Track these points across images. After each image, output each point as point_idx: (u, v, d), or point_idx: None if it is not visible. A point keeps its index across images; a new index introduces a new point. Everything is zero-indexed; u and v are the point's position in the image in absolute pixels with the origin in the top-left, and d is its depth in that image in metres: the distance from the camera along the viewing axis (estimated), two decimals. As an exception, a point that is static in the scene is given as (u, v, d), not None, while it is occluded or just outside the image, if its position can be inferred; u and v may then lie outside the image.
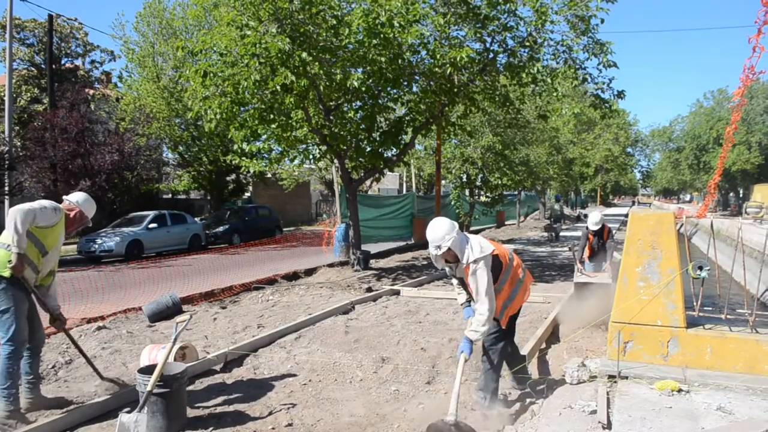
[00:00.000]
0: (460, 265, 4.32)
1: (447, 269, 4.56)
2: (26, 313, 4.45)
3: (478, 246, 4.30)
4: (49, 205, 4.54)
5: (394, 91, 12.48)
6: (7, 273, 4.28)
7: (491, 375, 4.50)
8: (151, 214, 19.15)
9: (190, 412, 4.56)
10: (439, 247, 4.22)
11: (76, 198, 4.88)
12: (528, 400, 4.63)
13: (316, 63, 10.20)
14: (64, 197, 4.90)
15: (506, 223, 34.37)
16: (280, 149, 13.21)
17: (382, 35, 9.87)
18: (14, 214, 4.25)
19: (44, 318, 4.74)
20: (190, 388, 5.06)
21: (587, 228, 9.41)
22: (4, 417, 4.22)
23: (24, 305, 4.42)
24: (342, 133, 11.91)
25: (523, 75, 11.23)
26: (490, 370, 4.49)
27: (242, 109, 10.94)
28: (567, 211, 53.69)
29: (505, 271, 4.48)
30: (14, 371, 4.33)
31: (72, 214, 4.80)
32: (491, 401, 4.43)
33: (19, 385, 4.47)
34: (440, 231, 4.25)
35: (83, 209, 4.85)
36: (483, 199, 24.68)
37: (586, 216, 10.25)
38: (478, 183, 23.33)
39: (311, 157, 14.14)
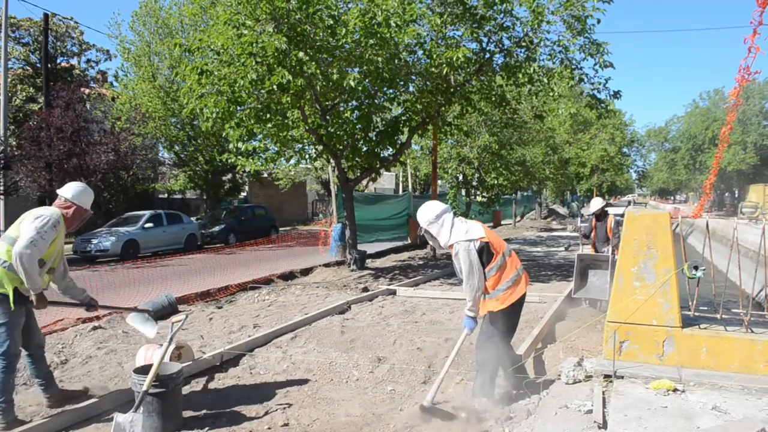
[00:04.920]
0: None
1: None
2: (21, 327, 4.37)
3: (463, 231, 4.45)
4: (49, 224, 4.31)
5: (391, 91, 12.47)
6: (6, 290, 4.21)
7: (485, 373, 4.51)
8: (147, 213, 19.10)
9: (186, 412, 4.55)
10: (421, 228, 4.58)
11: (70, 193, 4.60)
12: (524, 400, 4.63)
13: (313, 63, 10.19)
14: (58, 192, 4.69)
15: (502, 222, 34.44)
16: (276, 149, 13.19)
17: (378, 35, 9.86)
18: (23, 261, 4.11)
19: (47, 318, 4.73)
20: (186, 388, 5.05)
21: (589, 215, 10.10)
22: (1, 429, 4.20)
23: (20, 319, 4.34)
24: (338, 132, 11.90)
25: (520, 75, 11.23)
26: (484, 369, 4.51)
27: (238, 108, 10.91)
28: (562, 210, 53.80)
29: (496, 262, 4.46)
30: (8, 385, 4.28)
31: (69, 212, 4.56)
32: (488, 401, 4.44)
33: (31, 387, 4.48)
34: (424, 216, 4.55)
35: (79, 203, 4.61)
36: (479, 199, 24.67)
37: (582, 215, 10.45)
38: (474, 183, 23.35)
39: (307, 156, 14.13)
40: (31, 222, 4.28)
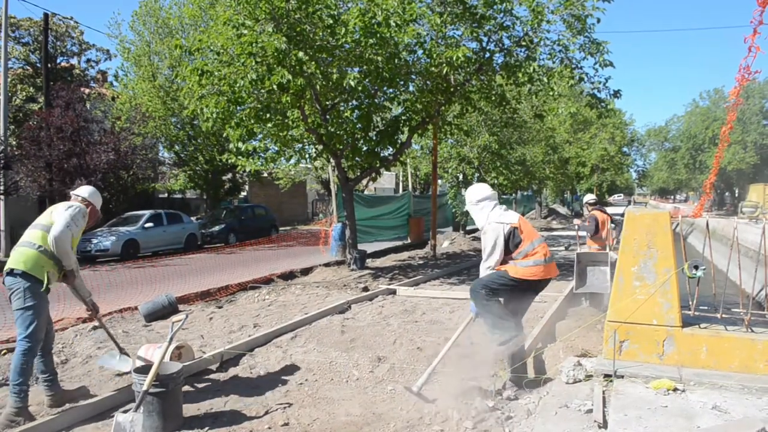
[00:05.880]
0: None
1: None
2: (46, 313, 4.53)
3: (497, 215, 4.81)
4: (80, 213, 4.69)
5: (391, 90, 12.46)
6: (34, 272, 4.40)
7: (488, 318, 4.76)
8: (147, 213, 19.13)
9: (186, 412, 4.55)
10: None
11: (86, 193, 4.94)
12: (524, 399, 4.63)
13: (313, 62, 10.18)
14: (74, 193, 4.97)
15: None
16: (276, 148, 13.19)
17: (378, 35, 9.85)
18: (60, 241, 4.44)
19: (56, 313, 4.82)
20: (186, 387, 5.05)
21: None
22: (13, 414, 4.24)
23: (46, 304, 4.52)
24: (338, 132, 11.90)
25: (520, 74, 11.22)
26: (486, 315, 4.77)
27: (238, 108, 10.91)
28: (563, 210, 53.77)
29: (524, 247, 4.76)
30: (27, 368, 4.37)
31: (88, 210, 4.87)
32: (498, 342, 4.69)
33: (33, 384, 4.51)
34: (468, 197, 5.02)
35: (94, 203, 4.95)
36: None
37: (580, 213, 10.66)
38: (474, 182, 23.33)
39: (307, 156, 14.13)
40: (64, 210, 4.62)
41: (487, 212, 4.85)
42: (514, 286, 4.75)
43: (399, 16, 9.99)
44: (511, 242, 4.72)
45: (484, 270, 4.76)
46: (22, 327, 4.37)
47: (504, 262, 4.79)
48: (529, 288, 4.85)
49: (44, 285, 4.43)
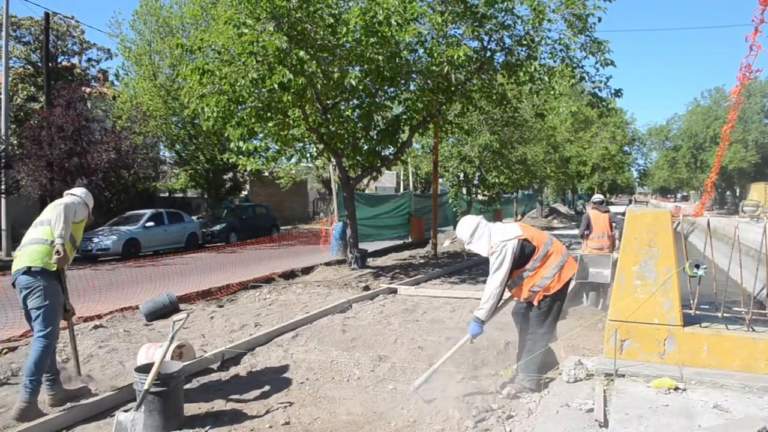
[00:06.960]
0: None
1: None
2: (62, 310, 4.60)
3: (500, 234, 4.72)
4: (80, 202, 4.80)
5: (392, 89, 12.46)
6: (53, 267, 4.44)
7: (528, 355, 4.77)
8: (148, 212, 19.14)
9: (187, 411, 4.56)
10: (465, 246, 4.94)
11: (81, 193, 4.99)
12: (525, 399, 4.63)
13: (314, 61, 10.17)
14: (67, 192, 5.00)
15: (503, 221, 34.42)
16: (277, 147, 13.19)
17: (379, 34, 9.85)
18: (61, 209, 4.51)
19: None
20: (187, 386, 5.06)
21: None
22: (23, 408, 4.26)
23: (62, 300, 4.58)
24: (339, 131, 11.89)
25: (521, 73, 11.22)
26: (528, 351, 4.79)
27: (239, 107, 10.91)
28: (564, 209, 53.74)
29: (539, 254, 4.72)
30: (44, 365, 4.40)
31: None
32: (523, 388, 4.72)
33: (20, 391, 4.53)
34: (462, 236, 4.90)
35: (88, 203, 4.99)
36: (480, 197, 24.66)
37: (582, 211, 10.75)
38: (475, 182, 23.34)
39: (308, 155, 14.13)
40: (63, 199, 4.76)
41: (487, 237, 4.75)
42: (559, 298, 4.79)
43: (400, 15, 9.98)
44: (524, 254, 4.66)
45: (489, 289, 4.63)
46: (41, 324, 4.40)
47: (524, 278, 4.74)
48: (566, 290, 4.89)
49: (61, 283, 4.56)
